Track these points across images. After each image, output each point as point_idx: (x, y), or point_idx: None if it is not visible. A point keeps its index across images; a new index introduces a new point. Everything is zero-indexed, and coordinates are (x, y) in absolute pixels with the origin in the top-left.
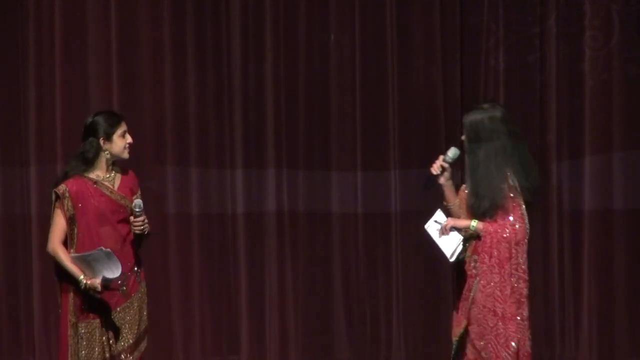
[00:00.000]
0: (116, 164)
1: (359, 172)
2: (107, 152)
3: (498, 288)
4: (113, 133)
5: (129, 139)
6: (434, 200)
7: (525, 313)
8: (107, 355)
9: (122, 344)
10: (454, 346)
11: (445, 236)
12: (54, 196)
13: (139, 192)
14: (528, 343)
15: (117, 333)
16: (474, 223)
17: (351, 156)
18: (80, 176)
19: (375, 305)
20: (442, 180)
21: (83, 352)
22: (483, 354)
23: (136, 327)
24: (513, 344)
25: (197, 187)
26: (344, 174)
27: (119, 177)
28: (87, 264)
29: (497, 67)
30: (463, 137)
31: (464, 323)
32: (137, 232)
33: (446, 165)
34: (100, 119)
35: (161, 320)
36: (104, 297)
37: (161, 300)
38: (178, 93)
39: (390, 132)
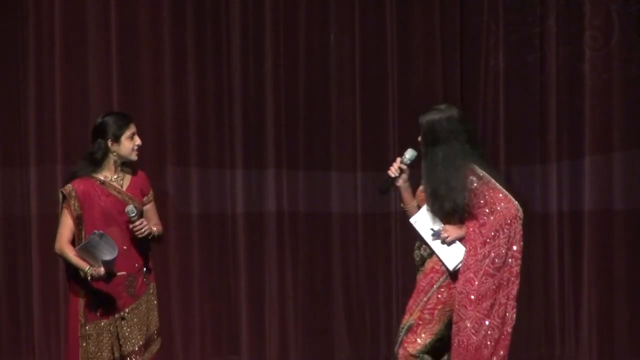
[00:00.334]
0: (126, 164)
1: (359, 172)
2: (115, 153)
3: (472, 271)
4: (121, 135)
5: (137, 141)
6: None
7: (514, 292)
8: (117, 355)
9: (131, 345)
10: (403, 331)
11: (445, 246)
12: (60, 196)
13: (151, 193)
14: (510, 322)
15: (125, 335)
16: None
17: (351, 156)
18: (88, 177)
19: (375, 305)
20: (399, 182)
21: (91, 352)
22: (464, 337)
23: (145, 328)
24: (487, 322)
25: (197, 187)
26: (344, 174)
27: (128, 177)
28: (89, 254)
29: (497, 67)
30: (419, 139)
31: (415, 314)
32: (139, 236)
33: (404, 167)
34: (109, 120)
35: (161, 320)
36: (112, 296)
37: (161, 300)
38: (178, 93)
39: (390, 132)
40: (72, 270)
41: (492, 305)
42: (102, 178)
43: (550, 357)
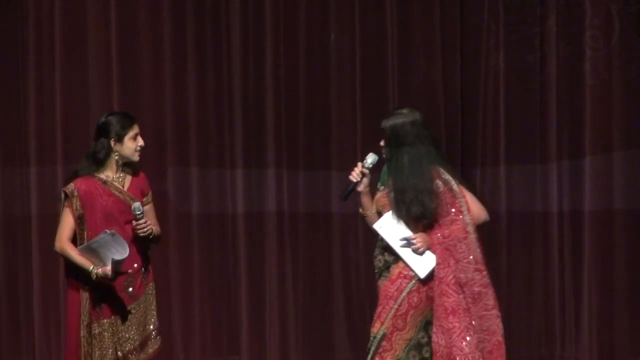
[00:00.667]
0: (127, 165)
1: None
2: (117, 153)
3: (445, 283)
4: (125, 135)
5: (140, 141)
6: None
7: (491, 302)
8: (120, 354)
9: (129, 345)
10: (377, 341)
11: (416, 254)
12: (62, 195)
13: (150, 194)
14: (498, 331)
15: (124, 334)
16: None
17: (351, 156)
18: (90, 176)
19: (375, 306)
20: (361, 187)
21: (97, 352)
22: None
23: (142, 328)
24: (468, 338)
25: (197, 187)
26: (344, 174)
27: (129, 178)
28: (94, 253)
29: (497, 67)
30: (382, 143)
31: (387, 322)
32: (141, 234)
33: (366, 171)
34: (113, 120)
35: (161, 320)
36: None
37: (161, 300)
38: (178, 93)
39: None
40: (73, 269)
41: (472, 319)
42: (104, 178)
43: (550, 357)
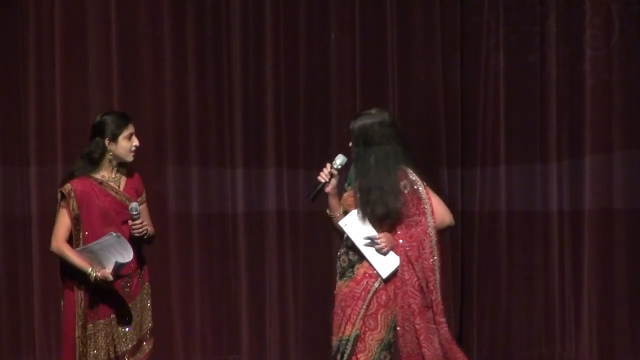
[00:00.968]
0: (122, 165)
1: None
2: (111, 153)
3: (409, 284)
4: (119, 134)
5: (135, 141)
6: None
7: (440, 308)
8: (112, 355)
9: (125, 345)
10: (351, 343)
11: (379, 254)
12: (59, 195)
13: (144, 194)
14: (448, 339)
15: (120, 335)
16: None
17: (351, 156)
18: (86, 176)
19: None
20: (329, 188)
21: (92, 352)
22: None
23: (139, 328)
24: (432, 337)
25: (198, 186)
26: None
27: (124, 178)
28: (94, 254)
29: (497, 67)
30: (351, 144)
31: (358, 323)
32: (136, 235)
33: (335, 172)
34: (107, 119)
35: (161, 320)
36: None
37: (161, 300)
38: (178, 93)
39: None
40: (69, 270)
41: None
42: (100, 178)
43: (550, 357)
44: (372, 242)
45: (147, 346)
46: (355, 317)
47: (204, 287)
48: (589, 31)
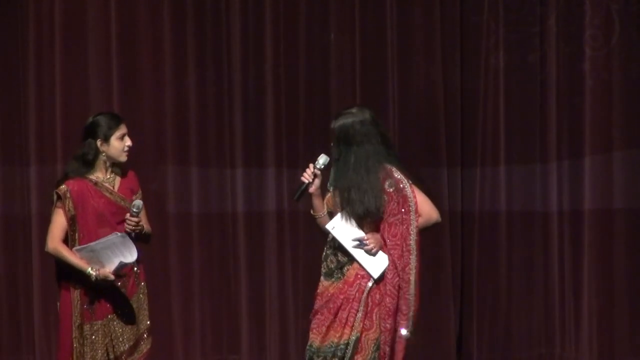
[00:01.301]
0: (116, 165)
1: None
2: (104, 154)
3: (391, 284)
4: (111, 135)
5: (127, 142)
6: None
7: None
8: (112, 356)
9: (122, 345)
10: (352, 347)
11: (369, 255)
12: (55, 196)
13: (140, 192)
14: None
15: (118, 335)
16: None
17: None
18: (81, 177)
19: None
20: (312, 188)
21: (89, 353)
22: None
23: (135, 328)
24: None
25: (197, 186)
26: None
27: (118, 179)
28: (94, 253)
29: (497, 66)
30: (332, 144)
31: (358, 325)
32: (127, 230)
33: (318, 172)
34: (99, 120)
35: (161, 320)
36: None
37: (161, 300)
38: (178, 93)
39: (391, 131)
40: (66, 270)
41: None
42: (94, 179)
43: (550, 357)
44: (360, 243)
45: (144, 346)
46: (353, 319)
47: (203, 287)
48: (589, 31)
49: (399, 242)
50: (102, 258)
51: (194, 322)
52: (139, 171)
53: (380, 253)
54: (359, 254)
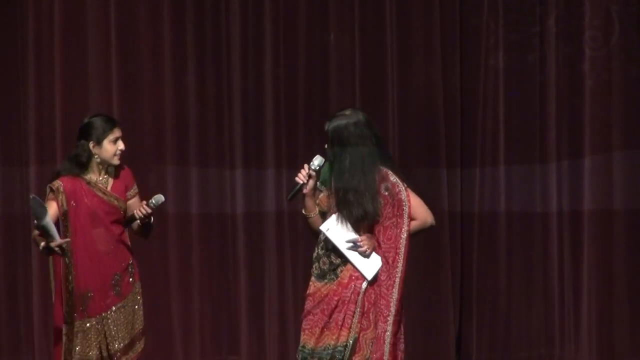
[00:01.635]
0: (111, 166)
1: None
2: (97, 156)
3: (384, 286)
4: (104, 138)
5: (120, 145)
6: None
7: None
8: (105, 354)
9: (117, 344)
10: (350, 348)
11: (362, 256)
12: (47, 190)
13: (135, 187)
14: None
15: (112, 333)
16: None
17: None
18: (75, 176)
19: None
20: (306, 189)
21: (77, 348)
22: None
23: (130, 327)
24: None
25: (197, 186)
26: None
27: (111, 180)
28: (44, 229)
29: (497, 67)
30: (327, 146)
31: (355, 327)
32: (136, 215)
33: (313, 173)
34: (94, 122)
35: (161, 320)
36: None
37: (161, 301)
38: (178, 93)
39: (390, 132)
40: (59, 267)
41: (398, 328)
42: (87, 179)
43: (550, 357)
44: (354, 245)
45: (139, 346)
46: (350, 321)
47: (203, 287)
48: (589, 31)
49: (393, 245)
50: (48, 231)
51: (194, 323)
52: (138, 171)
53: (374, 255)
54: (352, 256)
